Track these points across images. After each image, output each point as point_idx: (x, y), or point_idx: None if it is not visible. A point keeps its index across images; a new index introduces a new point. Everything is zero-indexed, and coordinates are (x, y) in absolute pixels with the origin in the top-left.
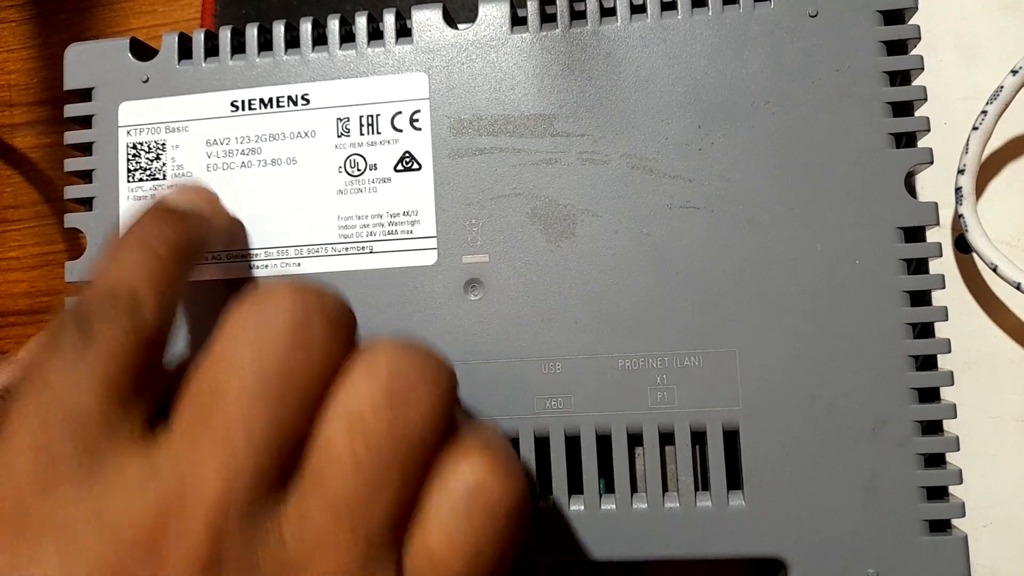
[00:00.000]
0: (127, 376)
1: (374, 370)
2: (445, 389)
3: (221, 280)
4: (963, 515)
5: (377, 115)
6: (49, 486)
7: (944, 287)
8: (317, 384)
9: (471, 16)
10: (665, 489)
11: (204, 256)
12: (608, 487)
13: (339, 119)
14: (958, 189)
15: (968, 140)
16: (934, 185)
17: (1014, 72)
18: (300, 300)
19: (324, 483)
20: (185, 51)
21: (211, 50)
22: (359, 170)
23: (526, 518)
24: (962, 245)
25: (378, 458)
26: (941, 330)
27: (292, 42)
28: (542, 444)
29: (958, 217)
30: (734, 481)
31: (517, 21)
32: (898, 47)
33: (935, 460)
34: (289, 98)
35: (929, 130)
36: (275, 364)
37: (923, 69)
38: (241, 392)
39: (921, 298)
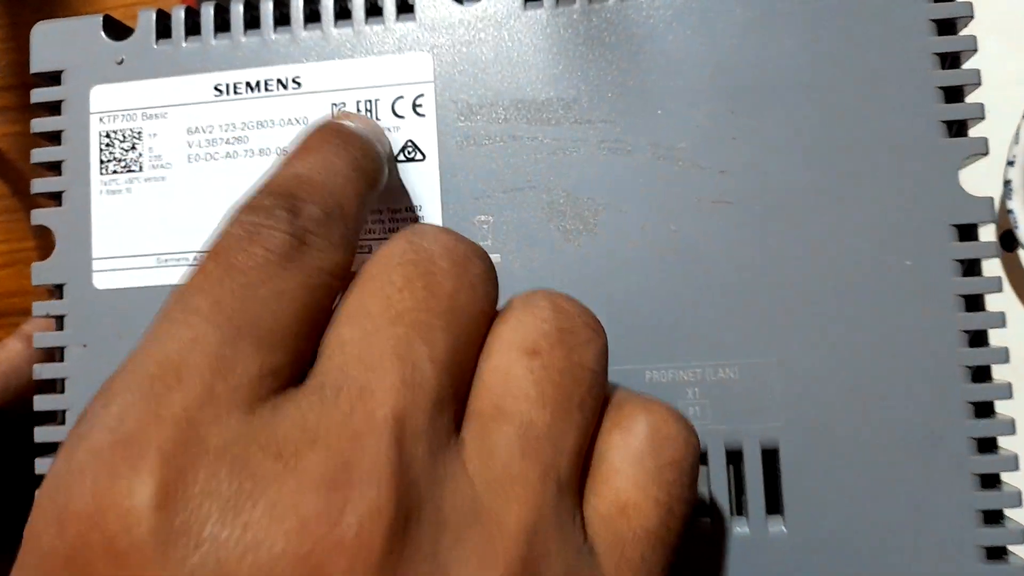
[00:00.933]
0: (322, 311)
1: (538, 310)
2: (606, 340)
3: None
4: (1023, 541)
5: (376, 100)
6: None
7: (1001, 290)
8: (482, 321)
9: None
10: (699, 514)
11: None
12: None
13: (334, 104)
14: (1007, 182)
15: (1018, 129)
16: (979, 178)
17: None
18: (456, 239)
19: (508, 415)
20: (163, 29)
21: (192, 28)
22: None
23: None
24: (1007, 242)
25: (562, 390)
26: (995, 337)
27: (282, 19)
28: None
29: (1007, 212)
30: (774, 505)
31: None
32: (948, 26)
33: (991, 481)
34: (279, 81)
35: (983, 117)
36: (445, 288)
37: (976, 50)
38: (415, 308)
39: (975, 303)
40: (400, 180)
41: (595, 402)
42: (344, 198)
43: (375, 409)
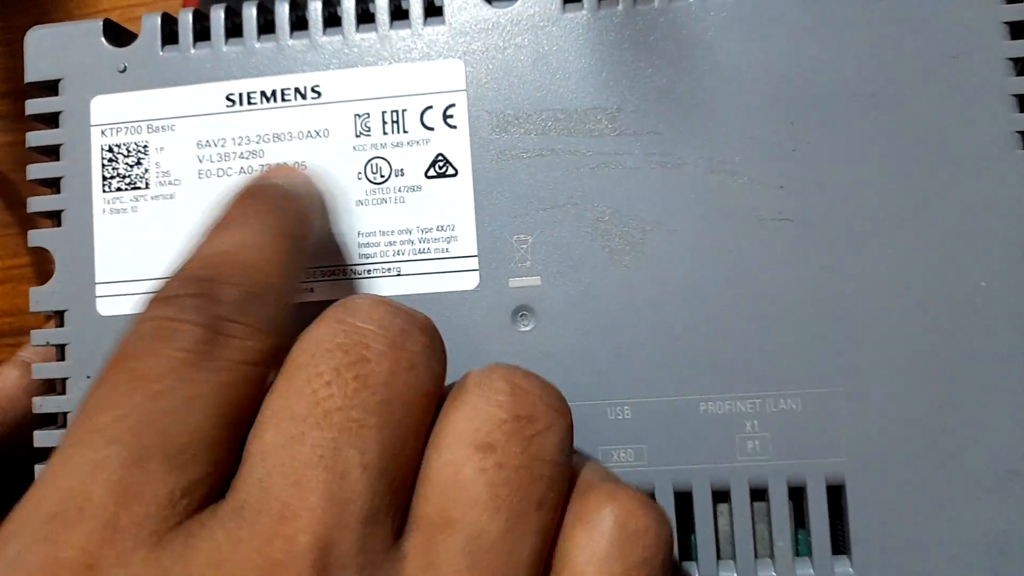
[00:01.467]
0: (245, 408)
1: (493, 393)
2: (570, 420)
3: None
4: None
5: (403, 110)
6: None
7: None
8: (426, 405)
9: None
10: (757, 555)
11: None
12: (686, 553)
13: (357, 115)
14: None
15: None
16: None
17: None
18: (392, 312)
19: (455, 524)
20: (170, 35)
21: (201, 33)
22: (383, 176)
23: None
24: None
25: (519, 491)
26: None
27: (299, 23)
28: None
29: None
30: (839, 545)
31: None
32: (1022, 29)
33: None
34: (296, 90)
35: None
36: (379, 377)
37: None
38: (344, 406)
39: None
40: (432, 198)
41: (558, 496)
42: (268, 272)
43: (296, 535)
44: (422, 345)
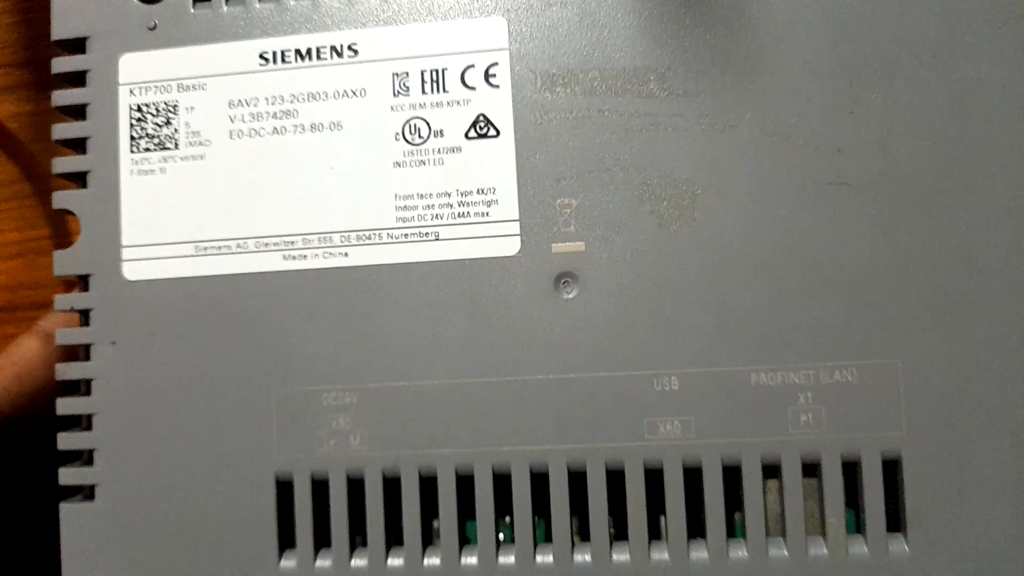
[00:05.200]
0: None
1: None
2: None
3: (247, 275)
4: None
5: (444, 69)
6: None
7: None
8: None
9: None
10: (809, 533)
11: None
12: (732, 531)
13: (395, 74)
14: None
15: None
16: None
17: None
18: None
19: None
20: None
21: None
22: (421, 137)
23: None
24: None
25: None
26: None
27: None
28: (654, 478)
29: None
30: (895, 523)
31: None
32: None
33: None
34: (332, 48)
35: None
36: None
37: None
38: None
39: None
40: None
41: None
42: None
43: None
44: None
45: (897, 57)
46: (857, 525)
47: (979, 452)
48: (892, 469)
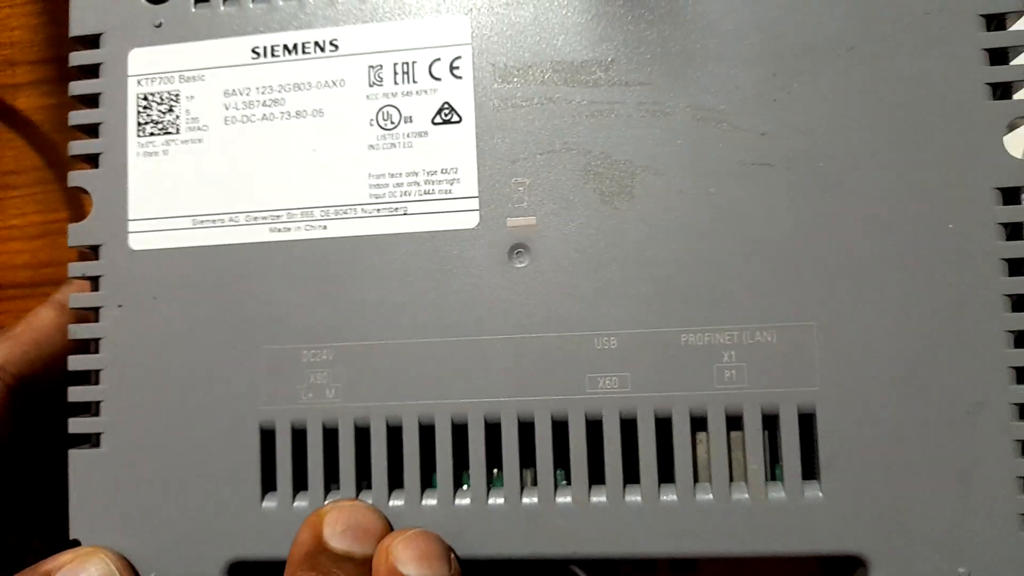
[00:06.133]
0: None
1: None
2: None
3: (237, 245)
4: None
5: (413, 62)
6: None
7: None
8: None
9: None
10: (732, 479)
11: None
12: (667, 476)
13: (371, 67)
14: None
15: None
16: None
17: None
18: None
19: None
20: None
21: None
22: (392, 123)
23: None
24: None
25: None
26: None
27: None
28: (594, 428)
29: None
30: (809, 470)
31: None
32: None
33: None
34: (316, 44)
35: None
36: None
37: (1022, 13)
38: None
39: (1019, 267)
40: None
41: None
42: None
43: None
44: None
45: (817, 49)
46: (775, 473)
47: (886, 405)
48: (808, 421)
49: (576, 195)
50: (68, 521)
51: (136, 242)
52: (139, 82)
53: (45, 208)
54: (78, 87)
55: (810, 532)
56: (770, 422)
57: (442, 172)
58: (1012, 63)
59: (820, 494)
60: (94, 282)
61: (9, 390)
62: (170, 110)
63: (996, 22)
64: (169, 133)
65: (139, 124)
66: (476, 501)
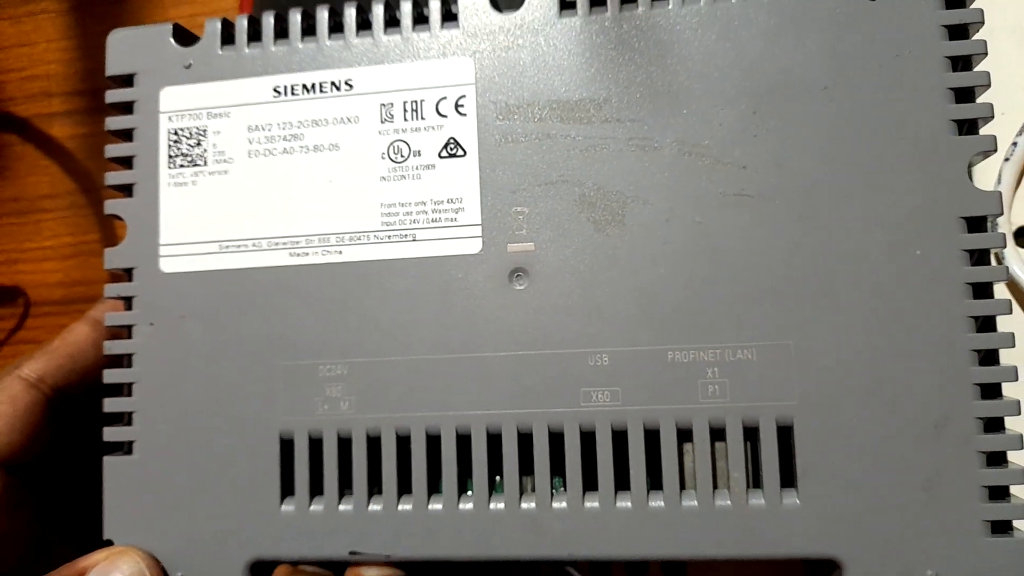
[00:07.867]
0: None
1: None
2: None
3: (260, 268)
4: None
5: (421, 100)
6: None
7: (1008, 278)
8: None
9: (518, 0)
10: (715, 487)
11: None
12: (656, 483)
13: (383, 104)
14: None
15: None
16: (992, 175)
17: None
18: None
19: None
20: (227, 36)
21: (254, 35)
22: (403, 156)
23: None
24: (1021, 236)
25: None
26: (1002, 324)
27: (336, 27)
28: (588, 439)
29: None
30: (788, 479)
31: (566, 5)
32: (960, 31)
33: (997, 458)
34: (332, 83)
35: (992, 117)
36: None
37: (986, 54)
38: None
39: (983, 290)
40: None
41: None
42: None
43: None
44: None
45: (793, 90)
46: (757, 481)
47: (859, 419)
48: (786, 433)
49: (571, 223)
50: (101, 522)
51: (167, 265)
52: (170, 118)
53: (77, 230)
54: (114, 122)
55: (788, 537)
56: (751, 434)
57: (448, 202)
58: (979, 100)
59: (797, 501)
60: (127, 302)
61: (48, 401)
62: (198, 144)
63: (962, 63)
64: (197, 165)
65: (170, 157)
66: (479, 506)
